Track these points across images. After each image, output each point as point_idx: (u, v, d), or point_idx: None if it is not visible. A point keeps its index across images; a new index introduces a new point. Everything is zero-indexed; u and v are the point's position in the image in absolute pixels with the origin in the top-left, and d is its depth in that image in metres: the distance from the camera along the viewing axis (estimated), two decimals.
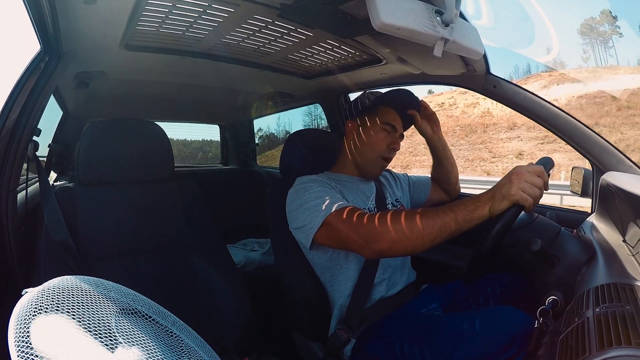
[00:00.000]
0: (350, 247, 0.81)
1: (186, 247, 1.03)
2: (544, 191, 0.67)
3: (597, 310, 0.49)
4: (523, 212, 0.67)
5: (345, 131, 1.08)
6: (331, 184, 0.95)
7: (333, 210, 0.83)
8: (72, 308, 0.43)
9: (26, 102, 0.88)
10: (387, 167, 1.23)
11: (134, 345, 0.44)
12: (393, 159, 1.07)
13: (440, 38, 0.68)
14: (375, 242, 0.74)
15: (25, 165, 0.96)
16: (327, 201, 0.85)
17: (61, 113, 1.66)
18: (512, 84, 1.05)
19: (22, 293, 0.42)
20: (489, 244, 0.65)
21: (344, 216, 0.81)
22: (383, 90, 1.11)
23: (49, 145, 1.65)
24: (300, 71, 1.32)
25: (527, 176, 0.65)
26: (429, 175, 1.25)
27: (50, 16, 0.78)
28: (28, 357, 0.34)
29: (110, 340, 0.42)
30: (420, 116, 1.10)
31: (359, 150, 1.04)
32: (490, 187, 0.70)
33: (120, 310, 0.49)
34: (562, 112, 0.99)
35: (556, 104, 1.06)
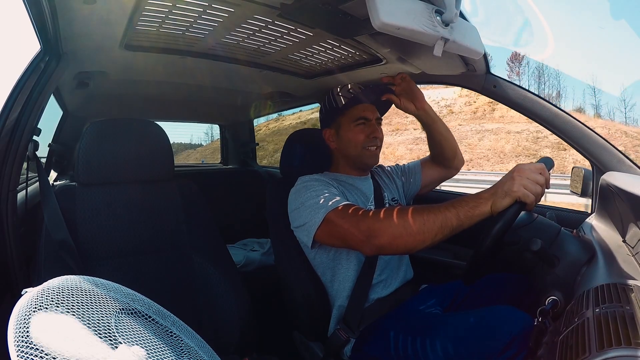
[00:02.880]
0: (351, 243, 0.81)
1: (186, 247, 1.03)
2: (546, 189, 0.67)
3: (597, 310, 0.49)
4: (523, 212, 0.67)
5: (325, 140, 1.09)
6: (333, 183, 0.95)
7: (333, 207, 0.83)
8: (72, 308, 0.43)
9: (26, 102, 0.88)
10: (381, 164, 1.23)
11: (134, 344, 0.44)
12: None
13: (440, 38, 0.68)
14: (375, 238, 0.74)
15: (25, 165, 0.96)
16: (328, 198, 0.86)
17: (61, 113, 1.67)
18: (512, 83, 1.05)
19: (22, 293, 0.42)
20: (490, 243, 0.65)
21: (345, 212, 0.81)
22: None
23: (49, 145, 1.65)
24: (300, 71, 1.32)
25: (528, 173, 0.65)
26: (419, 160, 1.22)
27: (50, 16, 0.78)
28: (28, 357, 0.34)
29: (110, 340, 0.42)
30: (398, 91, 1.05)
31: (344, 151, 1.05)
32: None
33: (120, 310, 0.49)
34: (562, 112, 0.99)
35: None
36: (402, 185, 1.18)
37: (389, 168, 1.22)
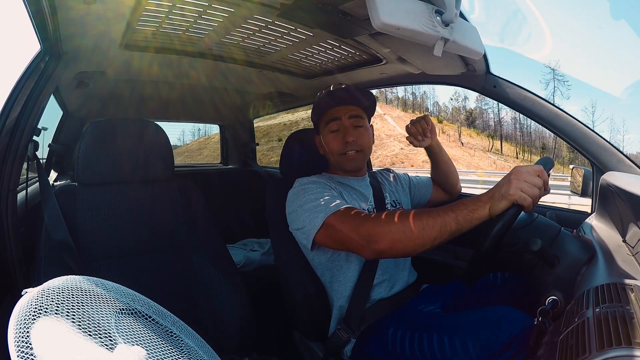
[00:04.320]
0: (350, 247, 0.81)
1: (186, 247, 1.03)
2: (545, 192, 0.67)
3: (597, 310, 0.49)
4: (523, 212, 0.67)
5: (317, 147, 1.11)
6: (331, 184, 0.95)
7: (333, 211, 0.83)
8: (71, 308, 0.43)
9: (26, 102, 0.88)
10: (388, 167, 1.24)
11: (134, 344, 0.44)
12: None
13: (440, 38, 0.68)
14: (375, 242, 0.74)
15: (25, 165, 0.96)
16: (327, 202, 0.86)
17: (61, 113, 1.67)
18: (513, 83, 1.05)
19: (22, 293, 0.42)
20: (489, 244, 0.65)
21: (344, 216, 0.81)
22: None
23: (49, 145, 1.65)
24: (300, 71, 1.32)
25: (525, 176, 0.65)
26: (429, 176, 1.25)
27: (50, 16, 0.78)
28: (28, 357, 0.34)
29: (110, 340, 0.42)
30: (425, 132, 1.11)
31: (328, 157, 1.07)
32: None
33: (120, 310, 0.49)
34: (562, 112, 0.99)
35: None
36: (409, 193, 1.19)
37: (397, 173, 1.23)
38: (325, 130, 1.03)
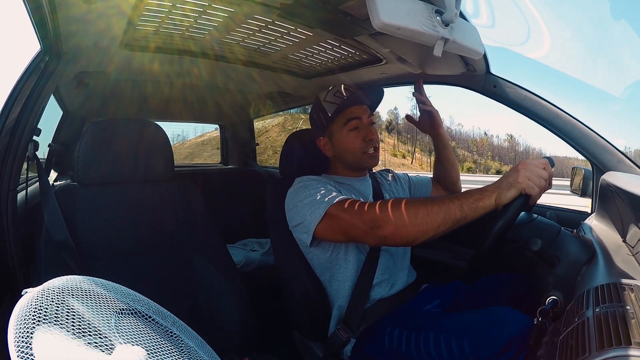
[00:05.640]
0: (354, 234, 0.80)
1: (186, 247, 1.03)
2: (549, 186, 0.67)
3: (597, 310, 0.49)
4: (523, 212, 0.67)
5: (321, 148, 1.07)
6: (331, 183, 0.95)
7: (334, 201, 0.83)
8: (71, 308, 0.43)
9: (26, 102, 0.88)
10: (388, 168, 1.24)
11: (134, 344, 0.44)
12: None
13: (440, 38, 0.68)
14: (379, 228, 0.74)
15: (25, 165, 0.96)
16: (327, 194, 0.86)
17: (61, 113, 1.67)
18: (513, 83, 1.05)
19: (22, 293, 0.42)
20: (492, 239, 0.65)
21: (347, 205, 0.81)
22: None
23: (49, 145, 1.65)
24: (300, 71, 1.32)
25: (532, 167, 0.66)
26: (430, 176, 1.25)
27: (50, 16, 0.78)
28: (28, 357, 0.34)
29: (110, 340, 0.42)
30: (425, 109, 1.12)
31: (343, 158, 1.04)
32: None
33: (120, 310, 0.49)
34: (563, 112, 0.99)
35: None
36: (408, 191, 1.19)
37: (396, 174, 1.23)
38: (344, 129, 1.01)
